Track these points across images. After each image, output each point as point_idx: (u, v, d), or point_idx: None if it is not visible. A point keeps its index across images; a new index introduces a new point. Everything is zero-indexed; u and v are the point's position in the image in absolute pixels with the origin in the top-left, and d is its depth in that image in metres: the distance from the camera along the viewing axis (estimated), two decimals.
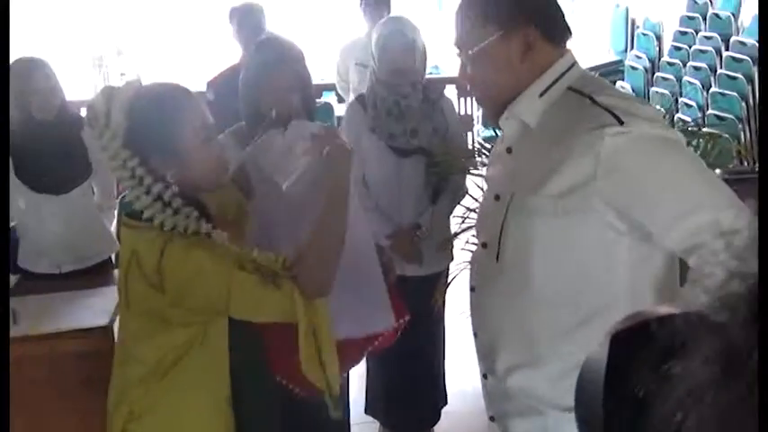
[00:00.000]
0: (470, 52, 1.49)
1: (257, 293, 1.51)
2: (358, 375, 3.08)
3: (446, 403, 3.17)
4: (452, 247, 3.06)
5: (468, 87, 1.59)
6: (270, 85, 2.18)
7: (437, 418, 3.14)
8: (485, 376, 1.66)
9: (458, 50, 1.54)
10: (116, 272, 2.98)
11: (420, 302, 2.70)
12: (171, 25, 13.14)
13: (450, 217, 3.06)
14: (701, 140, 3.11)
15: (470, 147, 6.18)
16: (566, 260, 1.46)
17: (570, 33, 1.54)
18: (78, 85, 8.42)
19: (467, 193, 3.05)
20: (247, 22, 4.05)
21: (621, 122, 1.37)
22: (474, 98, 1.70)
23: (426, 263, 2.91)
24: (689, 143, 2.91)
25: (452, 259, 3.04)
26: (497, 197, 1.57)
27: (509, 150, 1.57)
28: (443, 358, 3.16)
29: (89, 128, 1.58)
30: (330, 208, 1.64)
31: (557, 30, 1.51)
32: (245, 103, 2.28)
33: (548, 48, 1.49)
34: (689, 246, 1.33)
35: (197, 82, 4.03)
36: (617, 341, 0.49)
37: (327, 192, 1.66)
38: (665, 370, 0.47)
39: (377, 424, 3.23)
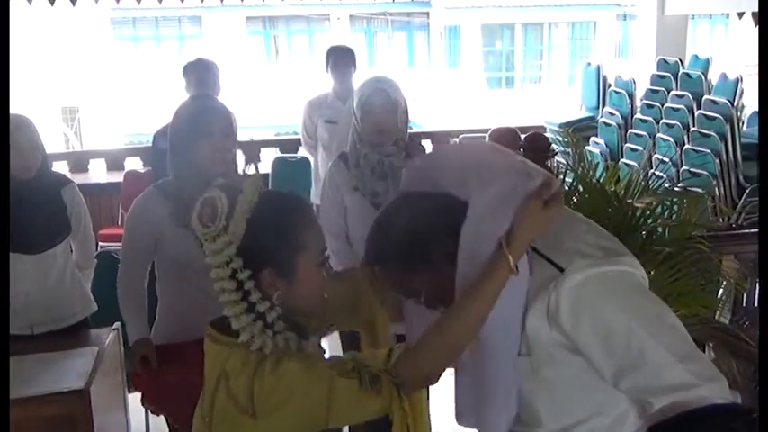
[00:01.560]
0: (422, 298, 1.51)
1: (358, 402, 1.36)
2: None
3: None
4: None
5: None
6: (202, 131, 2.32)
7: None
8: None
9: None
10: (92, 332, 2.93)
11: None
12: (131, 81, 13.20)
13: None
14: (675, 200, 3.15)
15: None
16: (568, 397, 1.48)
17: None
18: (50, 137, 8.37)
19: None
20: (206, 78, 4.18)
21: (561, 269, 1.38)
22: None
23: None
24: (663, 203, 2.96)
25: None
26: None
27: None
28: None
29: (200, 226, 1.39)
30: (474, 296, 1.39)
31: (460, 217, 1.43)
32: (174, 154, 2.40)
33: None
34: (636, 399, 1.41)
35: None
36: None
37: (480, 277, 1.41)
38: None
39: None
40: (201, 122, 2.37)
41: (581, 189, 2.80)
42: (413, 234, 1.46)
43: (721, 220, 4.25)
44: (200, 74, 4.21)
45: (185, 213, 2.26)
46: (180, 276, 2.48)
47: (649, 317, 1.38)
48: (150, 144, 4.64)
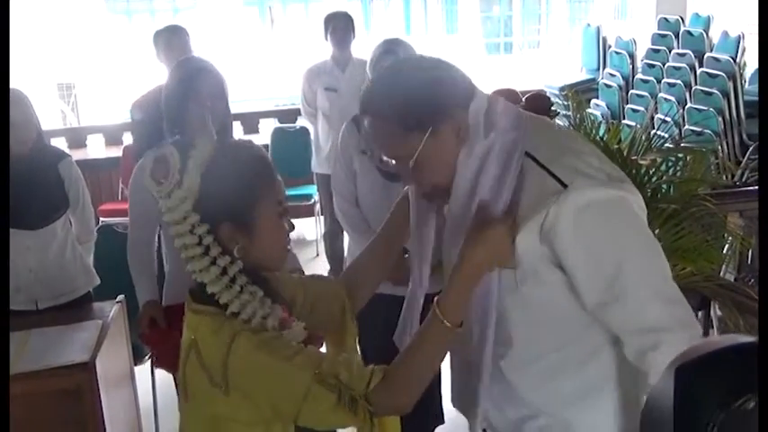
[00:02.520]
0: (410, 163, 1.41)
1: (331, 414, 1.33)
2: None
3: (443, 422, 3.15)
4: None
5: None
6: (191, 92, 2.32)
7: None
8: None
9: (391, 161, 1.47)
10: (96, 305, 2.92)
11: None
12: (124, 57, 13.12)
13: None
14: (679, 157, 3.12)
15: None
16: (543, 321, 1.47)
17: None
18: (46, 113, 8.33)
19: None
20: (172, 43, 4.10)
21: (565, 185, 1.34)
22: (421, 192, 1.54)
23: None
24: (668, 160, 2.92)
25: (445, 282, 3.02)
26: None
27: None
28: (439, 376, 3.14)
29: (153, 183, 1.36)
30: (421, 349, 1.40)
31: (469, 93, 1.44)
32: (167, 117, 2.39)
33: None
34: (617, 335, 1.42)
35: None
36: (683, 374, 0.45)
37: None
38: (739, 405, 0.42)
39: None
40: (192, 84, 2.38)
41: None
42: (428, 90, 1.39)
43: (725, 177, 4.22)
44: (168, 38, 4.13)
45: None
46: None
47: (642, 254, 1.38)
48: None
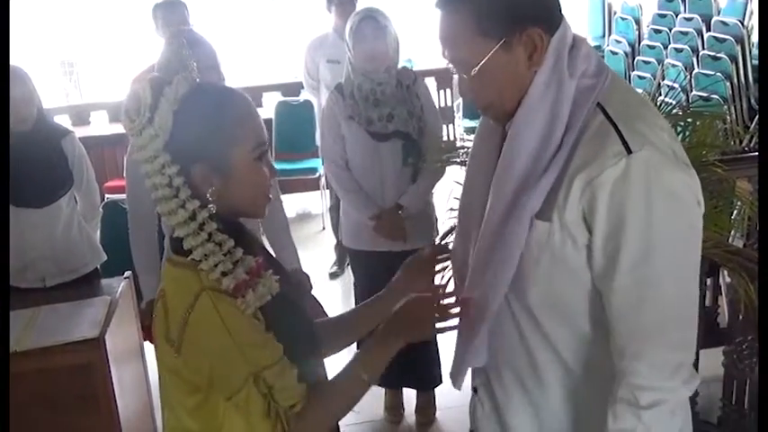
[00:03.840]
0: (473, 72, 1.31)
1: (254, 417, 1.33)
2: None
3: (441, 382, 3.28)
4: (436, 222, 3.26)
5: (474, 100, 1.39)
6: (182, 64, 2.27)
7: (435, 381, 3.28)
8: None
9: (454, 68, 1.38)
10: (104, 282, 2.93)
11: None
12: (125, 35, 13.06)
13: (432, 195, 3.22)
14: (688, 121, 3.08)
15: (451, 138, 6.27)
16: (557, 291, 1.36)
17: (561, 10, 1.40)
18: (48, 91, 8.33)
19: (445, 172, 3.15)
20: (170, 17, 4.09)
21: (630, 151, 1.23)
22: (482, 110, 1.42)
23: (411, 239, 3.05)
24: (676, 125, 2.89)
25: (437, 234, 3.19)
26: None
27: None
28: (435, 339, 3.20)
29: (126, 120, 1.30)
30: (336, 395, 1.43)
31: (555, 18, 1.34)
32: None
33: (549, 38, 1.32)
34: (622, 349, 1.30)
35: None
36: None
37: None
38: None
39: None
40: (183, 56, 2.37)
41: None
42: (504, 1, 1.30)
43: (733, 143, 4.17)
44: (166, 13, 4.14)
45: None
46: None
47: (681, 274, 1.28)
48: None
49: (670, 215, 1.24)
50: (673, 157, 1.26)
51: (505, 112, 1.36)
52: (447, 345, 1.73)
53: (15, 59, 2.77)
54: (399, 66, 3.09)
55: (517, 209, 1.32)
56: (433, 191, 3.19)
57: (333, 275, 5.00)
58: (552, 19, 1.32)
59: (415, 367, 3.12)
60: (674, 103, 3.83)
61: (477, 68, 1.31)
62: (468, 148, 2.97)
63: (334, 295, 4.76)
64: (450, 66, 1.39)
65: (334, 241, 5.10)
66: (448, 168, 3.12)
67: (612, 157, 1.23)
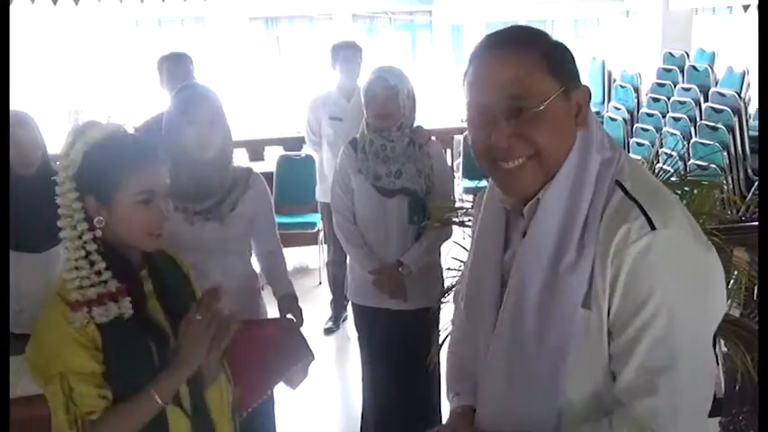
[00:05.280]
0: (541, 106, 1.25)
1: (58, 414, 1.60)
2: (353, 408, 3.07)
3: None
4: (443, 283, 3.21)
5: (512, 154, 1.30)
6: (189, 119, 2.41)
7: None
8: None
9: (509, 106, 1.28)
10: None
11: (407, 335, 3.08)
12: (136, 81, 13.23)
13: (439, 255, 3.21)
14: (686, 189, 3.10)
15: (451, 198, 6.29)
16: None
17: None
18: (54, 138, 8.40)
19: (451, 233, 3.18)
20: (175, 70, 4.14)
21: (653, 227, 1.21)
22: (515, 171, 1.31)
23: (414, 298, 3.07)
24: (675, 191, 2.92)
25: (443, 295, 3.13)
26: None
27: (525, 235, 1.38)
28: (438, 389, 3.20)
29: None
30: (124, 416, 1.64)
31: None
32: (167, 142, 2.44)
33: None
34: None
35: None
36: None
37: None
38: None
39: None
40: (188, 110, 2.43)
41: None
42: (568, 52, 1.33)
43: (730, 212, 4.21)
44: (171, 66, 4.19)
45: (176, 198, 2.36)
46: None
47: (698, 353, 1.26)
48: None
49: (692, 294, 1.23)
50: (695, 236, 1.25)
51: (547, 168, 1.30)
52: None
53: (23, 108, 2.81)
54: (415, 125, 3.13)
55: (557, 296, 1.27)
56: (439, 251, 3.19)
57: (327, 331, 4.97)
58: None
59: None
60: (672, 170, 3.88)
61: (546, 103, 1.25)
62: (467, 209, 3.00)
63: (329, 351, 4.72)
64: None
65: (331, 297, 5.08)
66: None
67: (636, 231, 1.21)
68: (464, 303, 1.55)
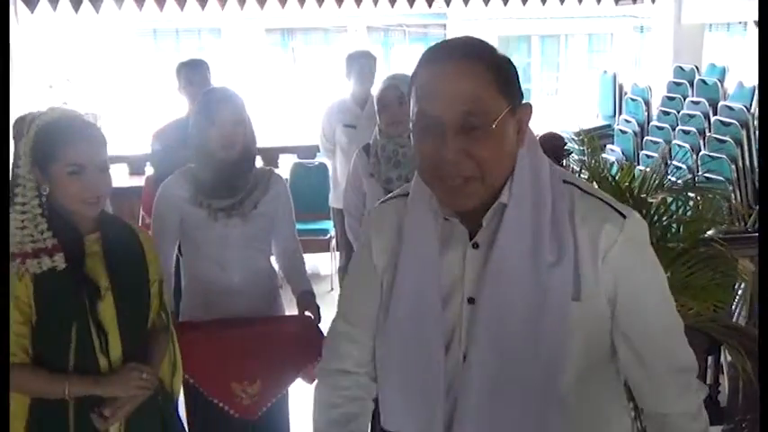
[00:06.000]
0: (494, 124, 1.24)
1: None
2: None
3: None
4: None
5: (458, 167, 1.27)
6: (213, 121, 2.48)
7: None
8: None
9: (461, 121, 1.25)
10: None
11: None
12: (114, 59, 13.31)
13: None
14: (690, 197, 3.15)
15: None
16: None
17: None
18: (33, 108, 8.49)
19: None
20: (192, 76, 4.25)
21: (624, 216, 1.32)
22: (460, 187, 1.29)
23: None
24: (678, 200, 2.97)
25: None
26: (471, 300, 1.36)
27: (476, 246, 1.36)
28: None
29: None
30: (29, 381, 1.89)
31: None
32: (195, 144, 2.55)
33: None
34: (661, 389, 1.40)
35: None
36: None
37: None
38: None
39: None
40: (212, 112, 2.51)
41: (596, 186, 2.82)
42: (514, 68, 1.31)
43: (737, 223, 4.25)
44: (189, 72, 4.30)
45: (201, 195, 2.51)
46: (197, 252, 2.63)
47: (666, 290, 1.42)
48: None
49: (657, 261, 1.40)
50: None
51: (490, 184, 1.29)
52: None
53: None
54: None
55: (547, 292, 1.30)
56: None
57: None
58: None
59: None
60: (679, 181, 3.93)
61: (497, 121, 1.24)
62: None
63: None
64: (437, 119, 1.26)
65: None
66: None
67: (617, 225, 1.30)
68: (394, 321, 1.42)
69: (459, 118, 1.24)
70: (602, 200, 1.34)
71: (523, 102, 1.31)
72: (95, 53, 13.51)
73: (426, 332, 1.38)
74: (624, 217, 1.31)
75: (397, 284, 1.41)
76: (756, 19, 7.90)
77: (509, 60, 1.30)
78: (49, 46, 11.29)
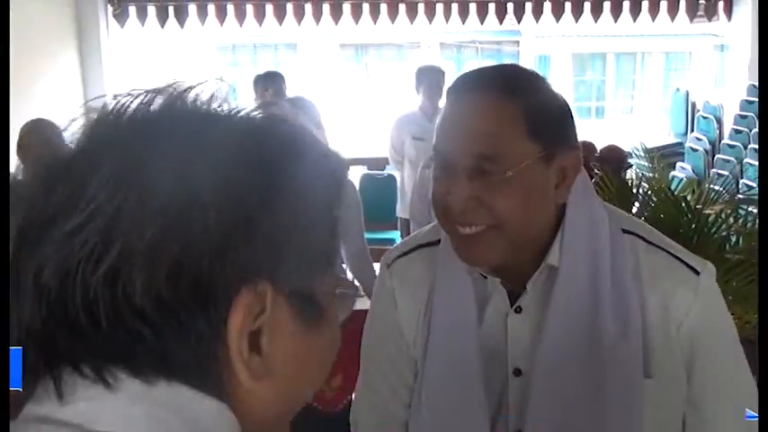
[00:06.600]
0: (508, 173, 1.05)
1: None
2: None
3: None
4: None
5: (470, 219, 1.09)
6: (300, 121, 2.64)
7: None
8: None
9: (473, 165, 1.07)
10: None
11: None
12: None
13: None
14: (750, 211, 3.18)
15: None
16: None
17: None
18: None
19: None
20: (264, 87, 4.66)
21: (697, 272, 1.14)
22: (472, 238, 1.10)
23: None
24: (736, 212, 3.01)
25: None
26: (518, 372, 1.19)
27: (518, 310, 1.19)
28: None
29: None
30: None
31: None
32: None
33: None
34: None
35: None
36: None
37: None
38: None
39: None
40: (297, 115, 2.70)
41: (654, 200, 2.90)
42: (562, 111, 1.13)
43: None
44: (265, 84, 4.68)
45: None
46: None
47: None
48: None
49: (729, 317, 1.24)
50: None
51: (511, 239, 1.09)
52: None
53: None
54: None
55: (613, 368, 1.13)
56: None
57: None
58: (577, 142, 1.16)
59: None
60: (741, 195, 3.93)
61: (515, 170, 1.05)
62: None
63: None
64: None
65: None
66: None
67: (691, 288, 1.14)
68: (430, 404, 1.24)
69: (471, 160, 1.07)
70: (670, 253, 1.16)
71: (571, 147, 1.12)
72: (178, 67, 14.07)
73: (469, 407, 1.20)
74: (697, 273, 1.14)
75: (430, 352, 1.23)
76: None
77: (556, 98, 1.13)
78: (135, 60, 11.84)
